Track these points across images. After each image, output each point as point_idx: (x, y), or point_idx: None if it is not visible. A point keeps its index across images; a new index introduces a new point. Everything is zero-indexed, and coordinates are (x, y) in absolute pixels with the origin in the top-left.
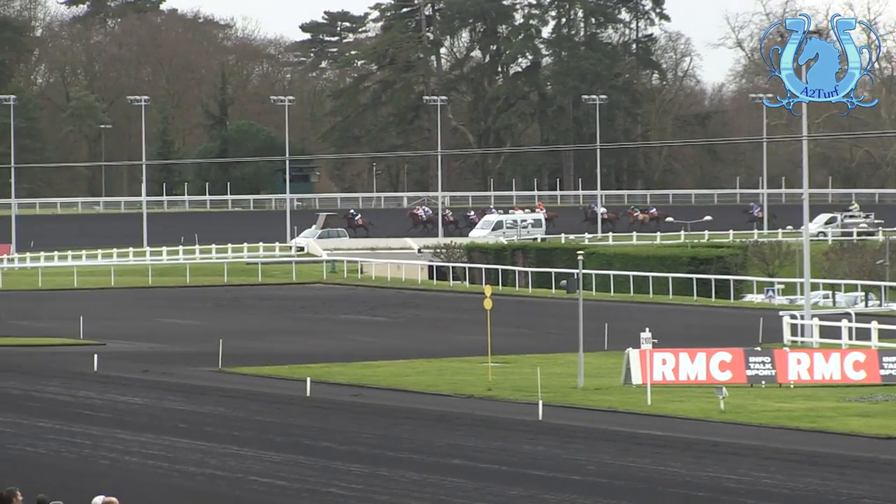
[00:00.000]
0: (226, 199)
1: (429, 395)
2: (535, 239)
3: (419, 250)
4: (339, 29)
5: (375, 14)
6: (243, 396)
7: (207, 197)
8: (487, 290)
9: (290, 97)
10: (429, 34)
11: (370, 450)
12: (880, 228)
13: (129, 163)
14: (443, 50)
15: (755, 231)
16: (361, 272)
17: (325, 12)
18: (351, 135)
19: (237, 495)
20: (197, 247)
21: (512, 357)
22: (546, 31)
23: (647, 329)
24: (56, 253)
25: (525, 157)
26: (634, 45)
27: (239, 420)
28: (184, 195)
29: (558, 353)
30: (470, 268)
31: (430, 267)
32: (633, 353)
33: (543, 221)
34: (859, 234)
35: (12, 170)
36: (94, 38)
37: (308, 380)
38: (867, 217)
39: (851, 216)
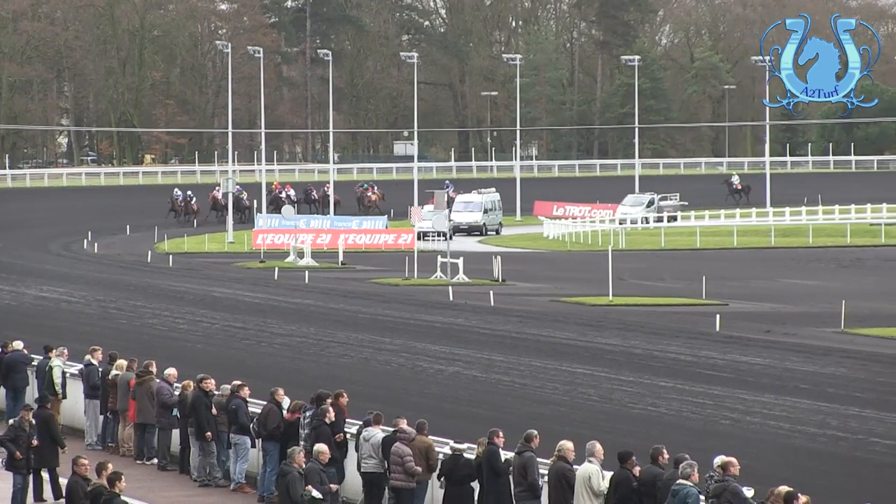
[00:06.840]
0: (849, 159)
1: None
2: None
3: None
4: None
5: None
6: (865, 358)
7: (831, 157)
8: None
9: None
10: None
11: None
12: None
13: (752, 123)
14: None
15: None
16: None
17: None
18: None
19: (858, 456)
20: (819, 207)
21: None
22: None
23: None
24: (680, 213)
25: None
26: None
27: (860, 381)
28: (807, 156)
29: None
30: None
31: None
32: None
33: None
34: (670, 218)
35: (635, 130)
36: None
37: None
38: (667, 199)
39: (664, 198)
